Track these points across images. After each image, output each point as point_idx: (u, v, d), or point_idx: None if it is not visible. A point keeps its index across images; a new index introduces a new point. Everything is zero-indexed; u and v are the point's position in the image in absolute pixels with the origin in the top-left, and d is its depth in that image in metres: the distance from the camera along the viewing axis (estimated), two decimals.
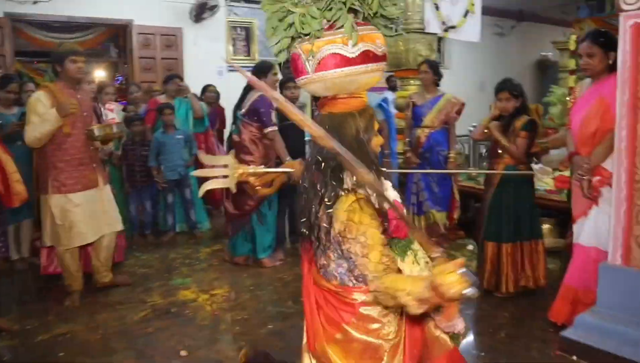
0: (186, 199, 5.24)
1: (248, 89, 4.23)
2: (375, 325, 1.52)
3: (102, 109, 4.10)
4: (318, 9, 1.47)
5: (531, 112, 3.68)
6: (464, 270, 1.19)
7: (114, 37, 7.87)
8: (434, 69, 4.69)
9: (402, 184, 5.16)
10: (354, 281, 1.50)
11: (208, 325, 3.25)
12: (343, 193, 1.43)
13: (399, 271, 1.51)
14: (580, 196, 2.98)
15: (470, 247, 4.68)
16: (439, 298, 1.20)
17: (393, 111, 6.04)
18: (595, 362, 2.60)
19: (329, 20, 1.49)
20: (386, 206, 1.44)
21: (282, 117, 4.54)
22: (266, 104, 3.99)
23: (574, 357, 2.67)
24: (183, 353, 2.85)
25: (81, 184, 3.57)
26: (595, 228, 2.90)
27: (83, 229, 3.57)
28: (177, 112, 5.27)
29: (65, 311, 3.46)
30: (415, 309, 1.26)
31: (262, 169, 1.65)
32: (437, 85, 4.75)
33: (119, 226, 3.90)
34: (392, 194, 1.60)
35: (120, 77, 8.85)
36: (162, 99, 5.51)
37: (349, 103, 1.53)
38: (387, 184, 1.63)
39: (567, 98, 5.49)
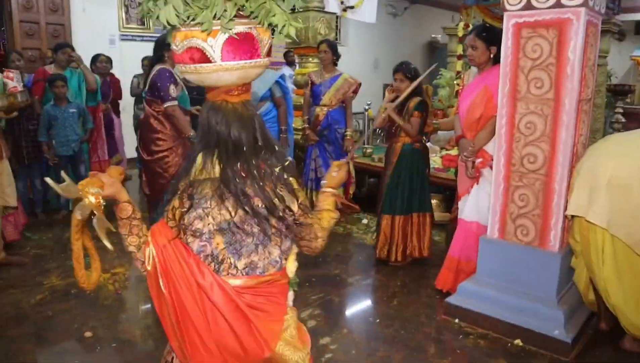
0: (80, 176, 4.99)
1: (151, 65, 4.05)
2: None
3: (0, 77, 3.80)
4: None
5: (424, 94, 3.96)
6: None
7: None
8: (333, 49, 4.83)
9: (300, 160, 5.31)
10: (284, 260, 1.53)
11: (111, 305, 3.21)
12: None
13: None
14: (465, 176, 3.31)
15: (365, 221, 4.95)
16: None
17: (291, 86, 6.13)
18: (475, 324, 2.93)
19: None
20: None
21: (199, 89, 4.46)
22: (163, 78, 3.80)
23: (457, 320, 2.99)
24: (88, 334, 2.80)
25: None
26: (477, 204, 3.24)
27: None
28: (68, 84, 4.96)
29: None
30: None
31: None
32: (335, 64, 4.91)
33: (13, 202, 3.72)
34: None
35: None
36: (51, 69, 5.14)
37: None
38: None
39: (455, 81, 5.91)
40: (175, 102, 3.79)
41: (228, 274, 1.43)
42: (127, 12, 7.78)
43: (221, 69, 1.37)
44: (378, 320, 3.07)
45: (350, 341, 2.81)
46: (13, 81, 3.87)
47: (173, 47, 1.43)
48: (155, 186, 3.93)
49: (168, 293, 1.41)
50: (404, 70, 3.76)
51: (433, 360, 2.62)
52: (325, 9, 6.01)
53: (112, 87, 6.07)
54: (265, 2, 1.38)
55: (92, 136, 5.32)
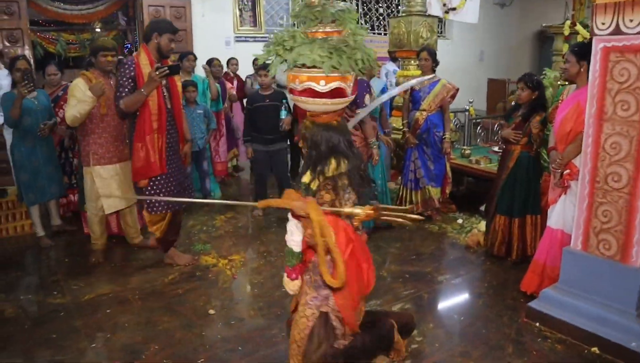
0: (203, 170, 5.70)
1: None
2: None
3: None
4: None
5: (548, 105, 4.10)
6: None
7: (123, 7, 8.12)
8: (433, 57, 5.05)
9: (399, 159, 5.62)
10: None
11: (229, 287, 3.77)
12: None
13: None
14: (554, 185, 3.48)
15: (460, 221, 5.16)
16: None
17: (394, 81, 6.44)
18: (554, 329, 3.11)
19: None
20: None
21: (256, 98, 5.04)
22: (361, 88, 4.42)
23: (537, 324, 3.19)
24: (211, 312, 3.37)
25: (117, 157, 4.13)
26: (563, 213, 3.41)
27: (119, 195, 4.14)
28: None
29: (104, 274, 3.98)
30: None
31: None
32: (434, 71, 5.14)
33: (134, 199, 4.40)
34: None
35: (129, 45, 9.11)
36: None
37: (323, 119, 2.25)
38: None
39: (559, 82, 5.88)
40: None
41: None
42: (240, 16, 8.46)
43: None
44: (462, 318, 3.35)
45: (434, 335, 3.13)
46: None
47: (292, 85, 2.20)
48: None
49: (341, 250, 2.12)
50: (526, 80, 3.98)
51: (510, 359, 2.87)
52: (428, 13, 6.22)
53: (225, 91, 6.68)
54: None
55: (215, 137, 5.99)
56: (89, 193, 4.16)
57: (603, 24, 2.80)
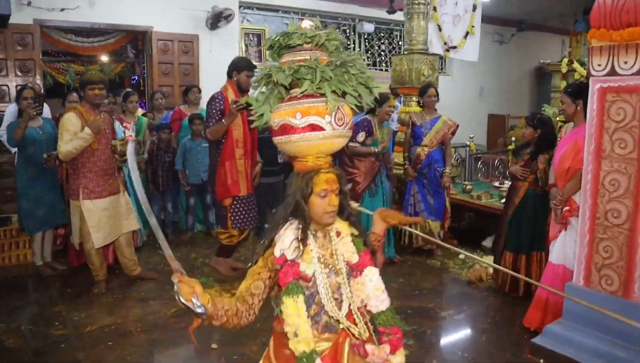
0: (206, 203, 5.75)
1: None
2: None
3: (120, 126, 4.63)
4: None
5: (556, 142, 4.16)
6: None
7: (133, 40, 8.30)
8: (438, 95, 5.19)
9: (402, 195, 5.68)
10: None
11: None
12: None
13: None
14: (554, 221, 3.53)
15: (462, 256, 5.18)
16: None
17: (396, 116, 6.54)
18: None
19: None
20: None
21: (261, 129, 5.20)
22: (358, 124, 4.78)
23: (541, 360, 3.19)
24: (214, 346, 3.37)
25: (107, 191, 4.18)
26: (564, 249, 3.44)
27: (108, 230, 4.19)
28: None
29: (106, 305, 3.98)
30: None
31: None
32: (435, 107, 5.25)
33: (137, 226, 4.54)
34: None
35: (136, 77, 9.28)
36: (183, 108, 5.98)
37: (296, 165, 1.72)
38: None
39: (557, 118, 5.98)
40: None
41: None
42: (246, 51, 8.63)
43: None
44: (466, 354, 3.35)
45: None
46: (129, 130, 4.65)
47: (291, 121, 1.67)
48: None
49: None
50: (527, 118, 4.11)
51: None
52: (429, 51, 6.36)
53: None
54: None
55: None
56: (81, 227, 4.13)
57: (599, 65, 2.89)
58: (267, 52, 1.83)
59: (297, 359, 1.60)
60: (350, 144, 4.74)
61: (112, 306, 3.99)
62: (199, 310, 1.52)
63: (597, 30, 2.89)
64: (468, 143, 7.04)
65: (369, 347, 1.66)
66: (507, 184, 5.36)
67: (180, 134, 5.81)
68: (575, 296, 3.11)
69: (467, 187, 5.84)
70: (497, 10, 10.15)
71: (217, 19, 7.90)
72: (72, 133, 3.95)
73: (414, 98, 6.28)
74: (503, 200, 4.88)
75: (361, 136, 4.72)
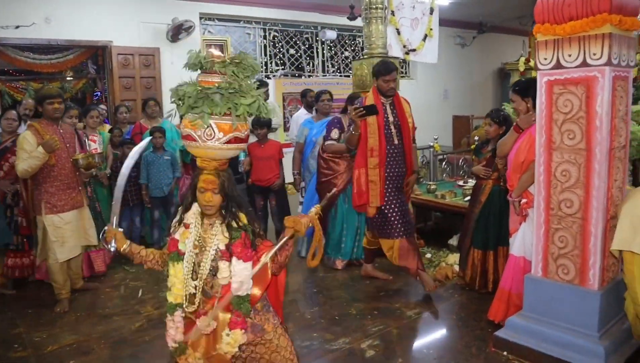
0: (170, 215, 5.66)
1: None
2: None
3: (86, 139, 4.55)
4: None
5: None
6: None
7: (93, 56, 8.19)
8: None
9: None
10: None
11: None
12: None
13: None
14: (514, 214, 3.58)
15: (428, 255, 5.20)
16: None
17: None
18: (522, 357, 3.14)
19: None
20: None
21: None
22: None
23: (505, 353, 3.22)
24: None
25: (69, 204, 4.15)
26: (523, 241, 3.49)
27: (72, 243, 4.17)
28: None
29: (68, 324, 3.88)
30: None
31: None
32: None
33: (95, 241, 4.48)
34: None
35: (98, 93, 9.15)
36: (143, 122, 5.92)
37: None
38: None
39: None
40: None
41: None
42: None
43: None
44: (432, 351, 3.35)
45: None
46: (95, 143, 4.61)
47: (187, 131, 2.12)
48: None
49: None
50: (492, 115, 4.20)
51: None
52: (389, 54, 6.42)
53: None
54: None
55: (181, 183, 6.00)
56: (46, 242, 4.12)
57: (545, 59, 2.96)
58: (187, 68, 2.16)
59: (167, 307, 2.19)
60: (327, 142, 4.84)
61: (75, 324, 3.89)
62: (111, 249, 2.36)
63: (541, 25, 2.96)
64: (432, 144, 7.11)
65: (201, 318, 2.11)
66: (471, 182, 5.43)
67: None
68: (534, 286, 3.18)
69: (432, 187, 5.89)
70: (457, 13, 10.35)
71: (177, 31, 7.87)
72: (28, 152, 3.91)
73: None
74: (467, 198, 4.93)
75: (335, 133, 4.79)
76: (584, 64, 2.80)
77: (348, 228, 4.96)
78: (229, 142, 2.09)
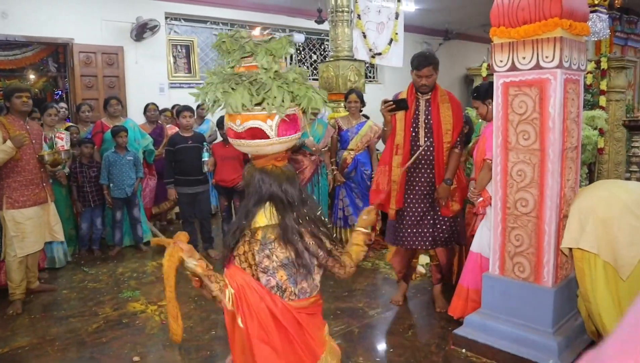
0: (134, 217, 5.58)
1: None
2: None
3: (53, 137, 4.46)
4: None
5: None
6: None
7: (54, 53, 8.02)
8: (361, 99, 5.27)
9: (333, 198, 5.72)
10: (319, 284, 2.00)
11: (157, 333, 3.65)
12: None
13: None
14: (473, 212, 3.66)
15: None
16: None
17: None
18: (480, 354, 3.19)
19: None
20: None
21: (178, 140, 5.10)
22: None
23: (464, 350, 3.26)
24: (136, 358, 3.24)
25: (31, 200, 4.09)
26: (480, 238, 3.56)
27: (32, 239, 4.09)
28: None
29: (21, 326, 3.77)
30: None
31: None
32: (361, 111, 5.33)
33: (61, 237, 4.45)
34: None
35: (60, 92, 8.95)
36: (105, 121, 5.81)
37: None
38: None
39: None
40: None
41: (289, 299, 1.86)
42: (175, 63, 8.50)
43: (277, 143, 1.84)
44: (392, 350, 3.38)
45: None
46: (62, 140, 4.53)
47: (232, 126, 1.84)
48: None
49: (245, 325, 1.82)
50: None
51: None
52: (355, 57, 6.48)
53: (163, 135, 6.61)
54: (307, 93, 1.86)
55: (144, 183, 5.90)
56: (6, 238, 4.05)
57: (501, 61, 3.03)
58: (218, 51, 1.90)
59: None
60: None
61: (29, 326, 3.79)
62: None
63: (497, 28, 3.03)
64: None
65: None
66: None
67: (103, 147, 5.63)
68: (491, 284, 3.24)
69: None
70: (424, 20, 10.50)
71: (142, 30, 7.75)
72: None
73: (342, 104, 6.38)
74: None
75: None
76: (537, 66, 2.88)
77: None
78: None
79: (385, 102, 3.69)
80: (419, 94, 3.79)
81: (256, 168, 1.89)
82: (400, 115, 3.74)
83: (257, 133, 1.81)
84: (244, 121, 1.80)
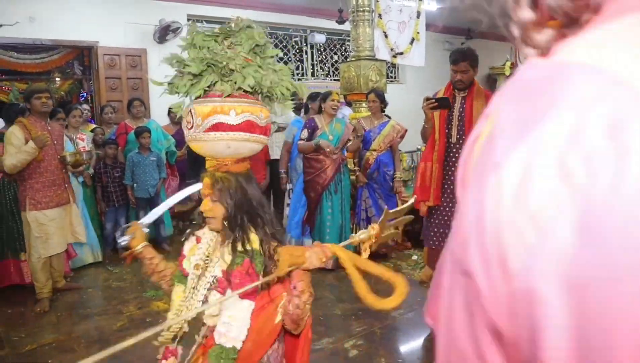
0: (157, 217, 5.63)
1: None
2: None
3: (75, 138, 4.54)
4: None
5: None
6: None
7: (79, 56, 8.14)
8: (381, 98, 5.24)
9: (355, 200, 5.71)
10: None
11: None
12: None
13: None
14: None
15: (415, 257, 5.22)
16: None
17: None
18: None
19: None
20: None
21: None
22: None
23: None
24: (159, 357, 3.27)
25: (54, 201, 4.13)
26: None
27: (56, 240, 4.13)
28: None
29: (48, 323, 3.84)
30: None
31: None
32: (383, 111, 5.31)
33: (84, 239, 4.48)
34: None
35: (85, 94, 9.09)
36: (128, 122, 5.88)
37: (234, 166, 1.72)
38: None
39: None
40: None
41: None
42: None
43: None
44: (414, 352, 3.36)
45: None
46: (84, 141, 4.61)
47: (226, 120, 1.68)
48: None
49: None
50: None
51: None
52: (376, 57, 6.45)
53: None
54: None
55: (167, 184, 5.96)
56: (30, 239, 4.10)
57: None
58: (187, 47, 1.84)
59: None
60: (298, 142, 4.86)
61: (55, 323, 3.85)
62: (122, 243, 1.89)
63: None
64: (420, 148, 7.14)
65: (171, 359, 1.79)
66: None
67: (127, 148, 5.70)
68: None
69: None
70: (445, 19, 10.41)
71: (165, 33, 7.83)
72: (17, 147, 3.90)
73: (364, 104, 6.35)
74: None
75: (304, 133, 4.82)
76: None
77: (332, 226, 4.95)
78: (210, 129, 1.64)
79: (427, 99, 3.67)
80: (455, 91, 3.77)
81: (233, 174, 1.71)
82: (438, 112, 3.75)
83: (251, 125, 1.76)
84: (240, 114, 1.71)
